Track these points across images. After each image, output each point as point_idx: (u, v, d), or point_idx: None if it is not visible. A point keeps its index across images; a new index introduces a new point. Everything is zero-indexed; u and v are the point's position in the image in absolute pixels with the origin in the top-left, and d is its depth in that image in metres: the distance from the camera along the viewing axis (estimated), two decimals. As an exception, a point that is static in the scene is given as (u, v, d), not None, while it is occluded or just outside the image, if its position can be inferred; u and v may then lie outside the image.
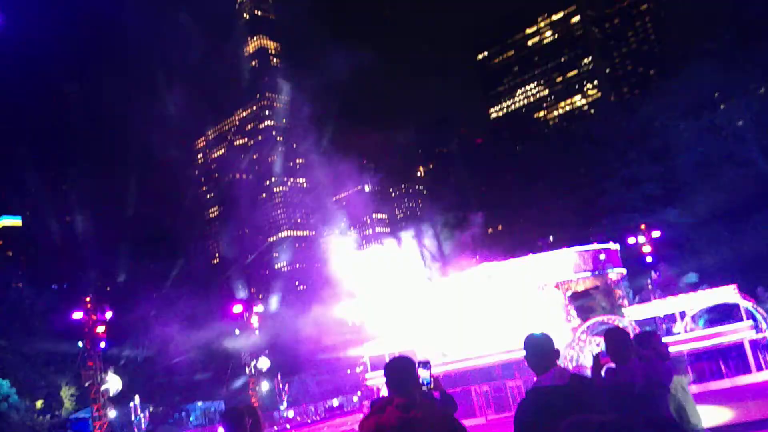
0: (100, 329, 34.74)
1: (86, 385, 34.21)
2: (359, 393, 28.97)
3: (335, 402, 33.56)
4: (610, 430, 2.20)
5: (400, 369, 4.34)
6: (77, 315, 35.49)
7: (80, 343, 35.54)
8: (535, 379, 4.74)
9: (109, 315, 35.21)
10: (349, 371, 33.13)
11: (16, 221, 73.37)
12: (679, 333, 18.89)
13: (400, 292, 27.64)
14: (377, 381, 24.50)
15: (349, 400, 32.68)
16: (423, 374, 5.43)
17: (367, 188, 57.91)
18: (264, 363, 34.95)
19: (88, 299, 35.28)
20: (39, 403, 37.27)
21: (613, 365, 5.61)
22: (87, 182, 54.90)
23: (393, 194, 61.76)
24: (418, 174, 76.15)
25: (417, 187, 72.52)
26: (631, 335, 6.14)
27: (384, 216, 59.68)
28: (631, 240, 32.28)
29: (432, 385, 5.87)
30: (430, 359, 6.80)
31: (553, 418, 3.67)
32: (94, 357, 34.33)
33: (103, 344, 34.50)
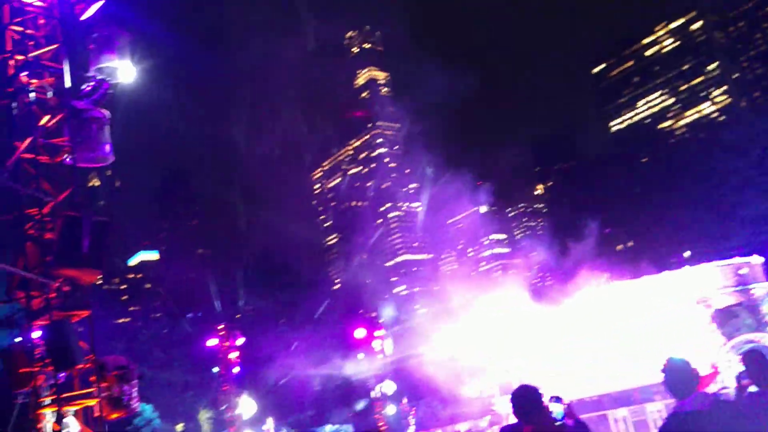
0: (233, 355, 36.42)
1: (222, 408, 35.81)
2: (488, 418, 28.27)
3: (463, 427, 32.86)
4: None
5: (526, 398, 4.39)
6: (212, 342, 37.40)
7: (215, 369, 37.27)
8: (675, 403, 4.59)
9: (240, 341, 36.80)
10: (476, 396, 32.38)
11: (154, 255, 78.97)
12: None
13: (525, 314, 26.83)
14: (506, 407, 23.69)
15: (477, 425, 31.99)
16: (555, 408, 5.25)
17: (483, 209, 57.15)
18: (389, 387, 35.01)
19: (221, 327, 37.06)
20: (179, 427, 39.30)
21: (755, 388, 5.28)
22: (213, 217, 58.41)
23: (510, 214, 60.55)
24: (536, 192, 74.38)
25: (535, 205, 70.81)
26: None
27: (503, 236, 58.56)
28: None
29: (564, 420, 5.73)
30: (563, 384, 6.71)
31: None
32: (229, 381, 35.85)
33: (237, 369, 36.05)
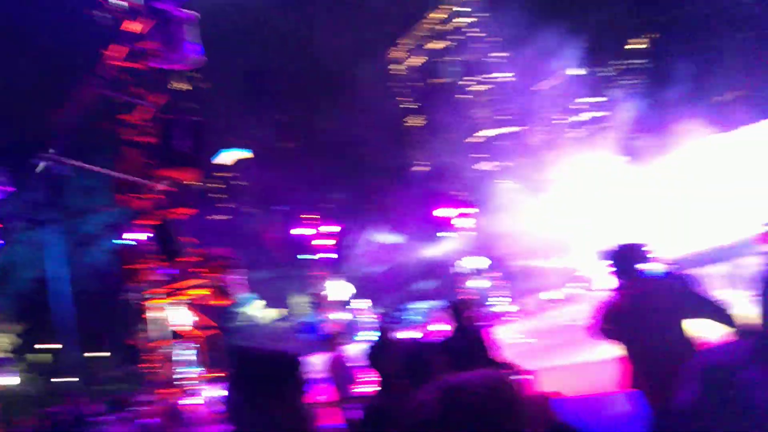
0: (328, 242, 37.72)
1: (318, 292, 37.50)
2: (575, 283, 28.20)
3: (555, 294, 33.08)
4: None
5: (622, 253, 4.62)
6: (305, 231, 38.70)
7: (309, 256, 38.69)
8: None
9: (333, 229, 37.86)
10: (560, 264, 32.15)
11: (248, 154, 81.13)
12: None
13: (615, 176, 25.96)
14: (594, 273, 23.31)
15: (565, 291, 32.13)
16: (653, 267, 5.14)
17: (573, 71, 53.67)
18: (478, 262, 35.35)
19: (314, 215, 38.17)
20: (277, 311, 41.76)
21: None
22: (296, 111, 58.47)
23: (603, 74, 56.47)
24: (636, 47, 68.82)
25: (634, 61, 65.60)
26: None
27: (596, 99, 55.07)
28: None
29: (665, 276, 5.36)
30: (660, 245, 6.50)
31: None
32: (322, 267, 37.33)
33: (332, 255, 37.42)
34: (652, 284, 4.58)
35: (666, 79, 45.63)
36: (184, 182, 14.44)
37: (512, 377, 1.39)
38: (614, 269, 4.48)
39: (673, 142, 27.68)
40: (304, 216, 38.54)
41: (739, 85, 43.79)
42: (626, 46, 66.57)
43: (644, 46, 71.46)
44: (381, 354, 4.13)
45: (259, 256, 42.27)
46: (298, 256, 39.25)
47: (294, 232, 38.78)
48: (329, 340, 10.67)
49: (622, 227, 22.11)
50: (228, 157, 66.88)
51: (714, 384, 2.15)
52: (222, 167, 79.66)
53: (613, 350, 4.70)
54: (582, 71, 55.34)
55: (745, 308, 4.09)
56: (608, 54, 56.93)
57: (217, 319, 14.34)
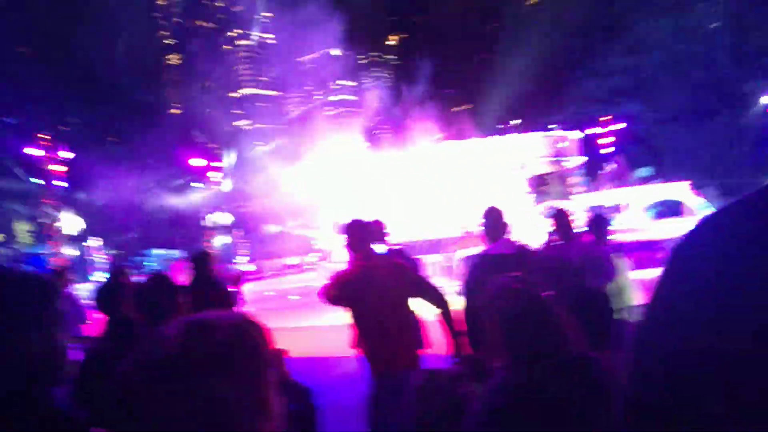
0: (60, 168, 34.43)
1: (42, 222, 34.39)
2: (316, 254, 30.24)
3: (292, 261, 34.91)
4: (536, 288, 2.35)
5: (358, 229, 4.80)
6: (33, 151, 34.94)
7: (37, 180, 35.21)
8: (486, 246, 5.23)
9: (67, 155, 34.78)
10: (306, 233, 34.14)
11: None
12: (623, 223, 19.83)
13: (358, 160, 27.92)
14: (331, 244, 25.35)
15: (303, 260, 34.16)
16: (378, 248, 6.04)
17: (335, 52, 56.45)
18: (224, 218, 35.57)
19: (46, 136, 34.60)
20: (-4, 237, 37.31)
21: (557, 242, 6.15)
22: (42, 16, 51.63)
23: (362, 61, 60.41)
24: (389, 42, 74.09)
25: (387, 56, 70.89)
26: (584, 220, 6.80)
27: (353, 83, 58.62)
28: (592, 130, 33.14)
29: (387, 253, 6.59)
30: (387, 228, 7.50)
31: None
32: (52, 195, 34.21)
33: (63, 184, 34.26)
34: (380, 260, 4.93)
35: (412, 80, 50.77)
36: None
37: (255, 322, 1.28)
38: (348, 243, 4.78)
39: (411, 138, 31.37)
40: (38, 135, 34.80)
41: (472, 99, 50.34)
42: (385, 41, 72.01)
43: (395, 43, 78.07)
44: (112, 295, 3.78)
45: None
46: (28, 178, 35.75)
47: (23, 150, 34.94)
48: (57, 276, 8.70)
49: (361, 207, 24.60)
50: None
51: (433, 400, 2.52)
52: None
53: (343, 317, 4.90)
54: (340, 53, 58.62)
55: (453, 296, 5.02)
56: (367, 43, 61.03)
57: None
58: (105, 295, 3.83)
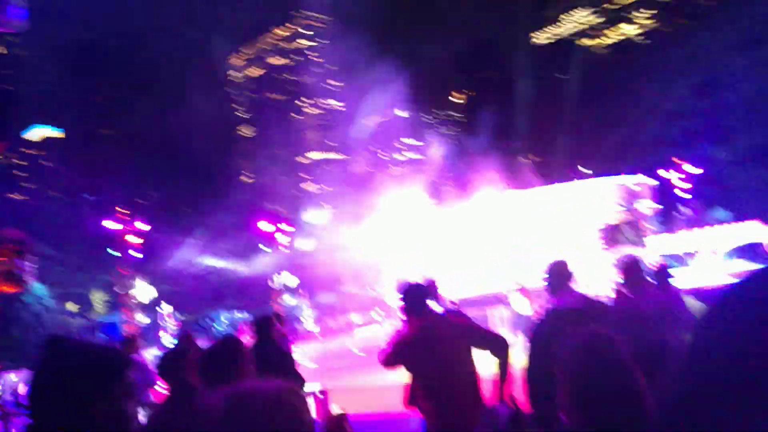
0: (135, 239, 35.83)
1: (118, 291, 35.57)
2: (377, 309, 29.73)
3: (357, 318, 34.58)
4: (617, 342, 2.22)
5: (413, 291, 4.80)
6: (112, 224, 36.55)
7: (114, 252, 36.73)
8: (551, 300, 5.00)
9: (144, 227, 36.18)
10: (370, 291, 33.81)
11: (59, 133, 74.65)
12: (701, 265, 18.44)
13: (423, 216, 27.56)
14: (395, 302, 24.69)
15: (369, 316, 33.88)
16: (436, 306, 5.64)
17: (401, 113, 57.15)
18: (290, 279, 35.81)
19: (123, 210, 36.22)
20: (71, 306, 38.87)
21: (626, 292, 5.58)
22: (122, 99, 55.23)
23: (427, 120, 60.89)
24: (455, 100, 74.62)
25: (452, 113, 71.29)
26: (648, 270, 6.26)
27: (418, 142, 59.05)
28: (667, 175, 31.66)
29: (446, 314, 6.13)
30: (452, 283, 7.36)
31: (564, 334, 4.05)
32: (127, 265, 35.46)
33: (138, 255, 35.58)
34: (437, 319, 4.85)
35: (477, 134, 50.51)
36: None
37: (305, 391, 1.37)
38: (404, 303, 4.75)
39: (475, 191, 30.74)
40: (116, 209, 36.51)
41: (536, 150, 49.60)
42: (450, 97, 72.69)
43: (461, 101, 78.41)
44: (174, 362, 3.88)
45: (58, 245, 39.52)
46: (104, 250, 37.34)
47: (102, 224, 36.60)
48: (128, 343, 9.71)
49: (425, 263, 24.00)
50: (37, 133, 60.90)
51: None
52: (29, 143, 72.10)
53: (402, 376, 4.79)
54: (406, 114, 59.40)
55: (517, 348, 4.84)
56: (431, 102, 61.71)
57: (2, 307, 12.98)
58: (167, 362, 3.98)
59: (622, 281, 5.86)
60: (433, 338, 4.62)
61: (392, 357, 4.76)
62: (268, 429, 1.10)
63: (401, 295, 4.72)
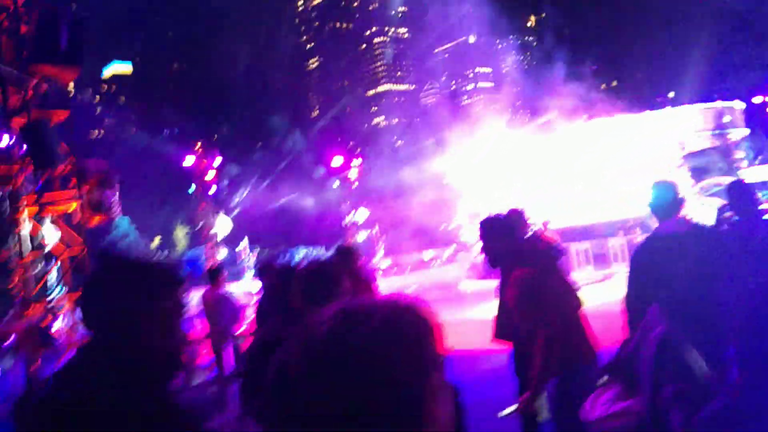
0: (211, 174, 36.43)
1: (198, 226, 36.57)
2: (454, 246, 29.47)
3: (428, 254, 34.42)
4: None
5: (494, 224, 4.54)
6: (189, 160, 37.23)
7: (191, 188, 37.56)
8: (657, 224, 4.53)
9: (218, 161, 36.66)
10: (443, 226, 33.52)
11: (127, 67, 75.98)
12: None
13: (498, 145, 26.70)
14: (472, 236, 24.40)
15: (441, 253, 33.64)
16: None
17: (471, 39, 55.15)
18: (362, 215, 35.81)
19: (198, 145, 36.70)
20: (156, 241, 40.28)
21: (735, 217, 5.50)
22: (189, 31, 55.34)
23: (499, 46, 58.57)
24: (528, 24, 71.40)
25: (525, 38, 68.36)
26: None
27: (489, 69, 57.05)
28: (757, 99, 29.65)
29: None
30: (531, 215, 6.82)
31: (671, 261, 3.69)
32: (206, 200, 36.26)
33: (213, 188, 36.23)
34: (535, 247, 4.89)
35: (553, 59, 48.25)
36: (61, 82, 12.96)
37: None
38: (489, 236, 4.30)
39: (556, 120, 29.51)
40: (192, 144, 37.07)
41: (630, 75, 47.10)
42: (527, 23, 69.33)
43: (533, 24, 75.01)
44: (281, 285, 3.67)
45: (136, 177, 40.66)
46: (183, 185, 38.27)
47: (180, 159, 37.34)
48: (213, 275, 9.18)
49: (504, 195, 23.37)
50: (112, 69, 62.24)
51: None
52: (101, 79, 74.14)
53: (486, 310, 4.81)
54: (476, 40, 57.25)
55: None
56: (505, 26, 59.16)
57: (87, 238, 13.04)
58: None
59: (728, 206, 5.65)
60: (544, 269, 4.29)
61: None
62: (383, 355, 0.91)
63: (483, 228, 4.47)
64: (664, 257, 3.80)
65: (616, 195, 20.12)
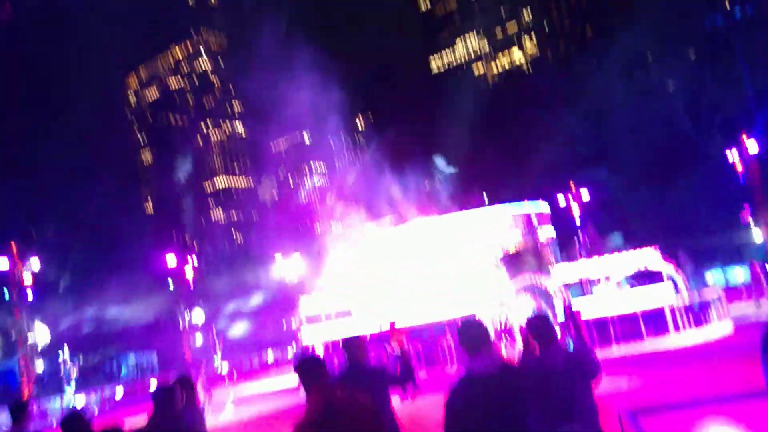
0: (27, 280, 33.39)
1: (13, 337, 33.22)
2: (293, 345, 29.34)
3: (270, 356, 33.75)
4: None
5: (310, 364, 4.10)
6: (1, 262, 33.98)
7: (6, 294, 34.32)
8: (466, 364, 4.59)
9: (36, 265, 33.89)
10: (285, 326, 33.38)
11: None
12: (601, 295, 19.59)
13: (336, 247, 27.43)
14: (312, 339, 24.64)
15: (284, 355, 33.07)
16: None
17: (305, 137, 57.15)
18: (199, 316, 34.72)
19: (12, 246, 33.83)
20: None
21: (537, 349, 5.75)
22: (9, 119, 51.71)
23: (332, 145, 61.10)
24: (358, 125, 75.49)
25: (356, 138, 72.01)
26: (561, 298, 6.49)
27: (323, 165, 59.11)
28: (561, 201, 33.23)
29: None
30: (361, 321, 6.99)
31: (485, 409, 3.91)
32: (21, 308, 33.27)
33: (30, 296, 33.26)
34: (341, 400, 5.28)
35: (376, 160, 50.84)
36: None
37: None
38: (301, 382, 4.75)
39: (383, 220, 31.01)
40: (7, 244, 34.07)
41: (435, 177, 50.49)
42: (357, 120, 73.35)
43: (362, 127, 79.81)
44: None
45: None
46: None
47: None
48: (15, 413, 8.37)
49: (342, 296, 24.00)
50: None
51: None
52: None
53: None
54: (310, 138, 59.35)
55: None
56: (341, 126, 61.96)
57: None
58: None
59: (529, 336, 6.12)
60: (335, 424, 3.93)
61: None
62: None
63: (297, 370, 3.98)
64: (478, 402, 4.00)
65: (441, 296, 21.29)
